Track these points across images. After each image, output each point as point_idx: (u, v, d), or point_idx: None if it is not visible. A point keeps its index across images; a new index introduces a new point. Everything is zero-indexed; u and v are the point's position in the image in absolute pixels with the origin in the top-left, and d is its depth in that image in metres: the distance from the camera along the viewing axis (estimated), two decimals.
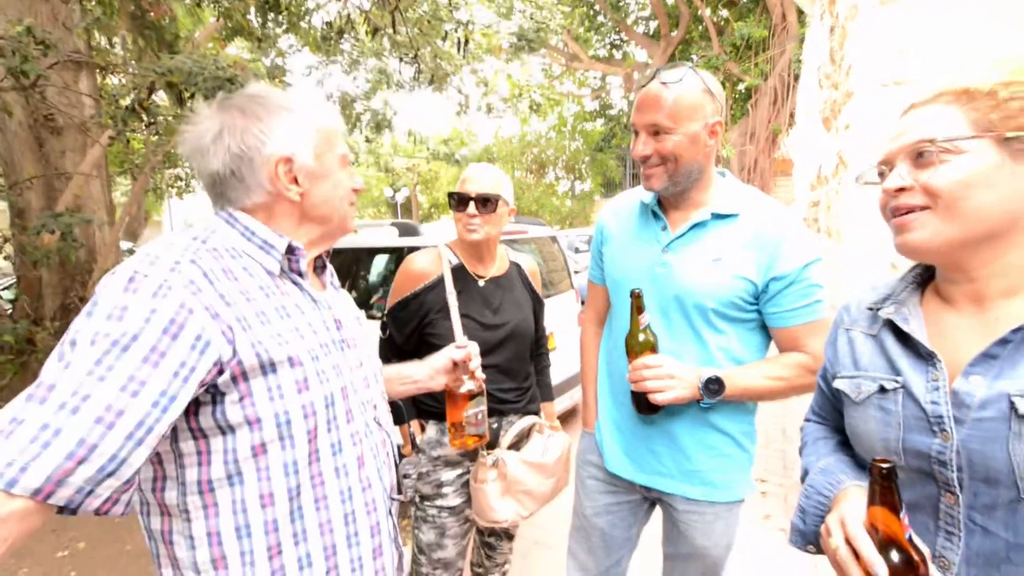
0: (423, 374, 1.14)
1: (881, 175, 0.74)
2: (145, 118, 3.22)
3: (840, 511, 0.68)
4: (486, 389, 1.22)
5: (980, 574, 0.65)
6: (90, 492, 0.58)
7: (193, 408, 0.68)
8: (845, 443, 0.88)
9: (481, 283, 1.54)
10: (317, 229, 0.84)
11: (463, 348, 1.14)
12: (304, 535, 0.75)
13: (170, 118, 4.10)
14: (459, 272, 1.52)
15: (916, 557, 0.59)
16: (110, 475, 0.59)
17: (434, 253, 1.54)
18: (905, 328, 0.73)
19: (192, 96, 2.54)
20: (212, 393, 0.68)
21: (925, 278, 0.79)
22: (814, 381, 1.05)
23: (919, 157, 0.68)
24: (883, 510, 0.60)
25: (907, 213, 0.69)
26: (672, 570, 1.37)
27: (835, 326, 0.88)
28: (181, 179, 7.36)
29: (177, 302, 0.64)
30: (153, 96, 3.05)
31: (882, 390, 0.74)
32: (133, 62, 3.89)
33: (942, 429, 0.66)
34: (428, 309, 1.48)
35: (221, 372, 0.67)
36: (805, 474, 0.85)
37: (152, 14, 4.41)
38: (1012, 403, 0.60)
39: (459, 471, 1.54)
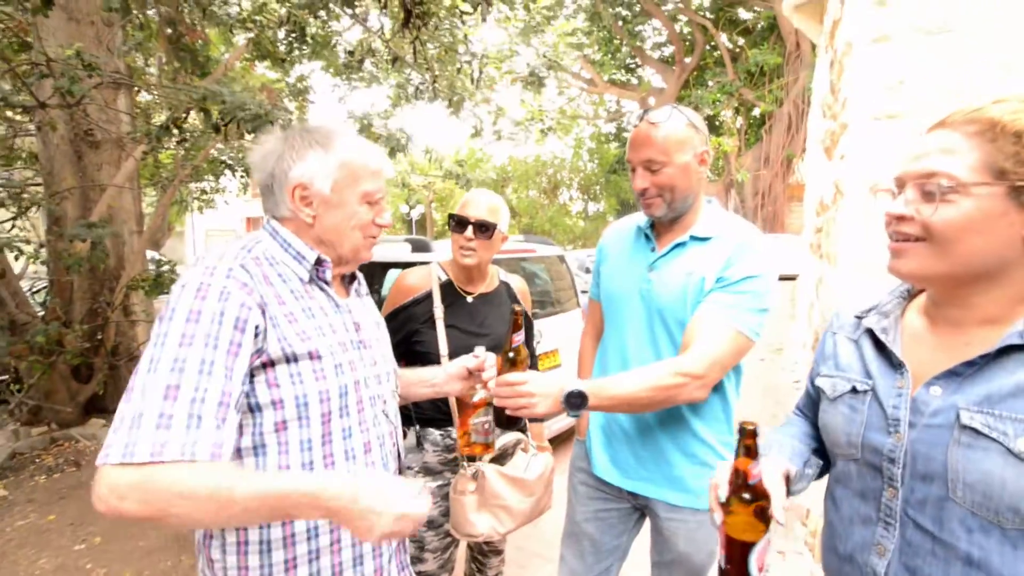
0: (440, 378, 1.22)
1: (892, 194, 0.76)
2: (177, 135, 3.42)
3: (726, 463, 0.81)
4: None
5: (910, 562, 0.71)
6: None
7: None
8: (811, 435, 0.96)
9: (469, 299, 1.62)
10: (331, 251, 0.96)
11: (478, 357, 1.17)
12: None
13: (199, 135, 4.33)
14: (448, 288, 1.60)
15: (764, 498, 0.75)
16: (222, 431, 0.74)
17: (426, 270, 1.64)
18: (882, 338, 0.80)
19: (227, 124, 2.74)
20: (249, 375, 0.81)
21: (912, 294, 0.85)
22: (693, 391, 1.13)
23: (925, 190, 0.69)
24: (744, 460, 0.75)
25: (903, 240, 0.72)
26: None
27: (826, 331, 0.96)
28: (206, 192, 7.65)
29: (238, 302, 0.79)
30: (187, 116, 3.26)
31: (854, 390, 0.82)
32: (167, 82, 4.13)
33: (897, 430, 0.74)
34: (415, 320, 1.56)
35: (259, 357, 0.81)
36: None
37: (188, 38, 4.69)
38: (958, 414, 0.68)
39: (440, 482, 1.57)
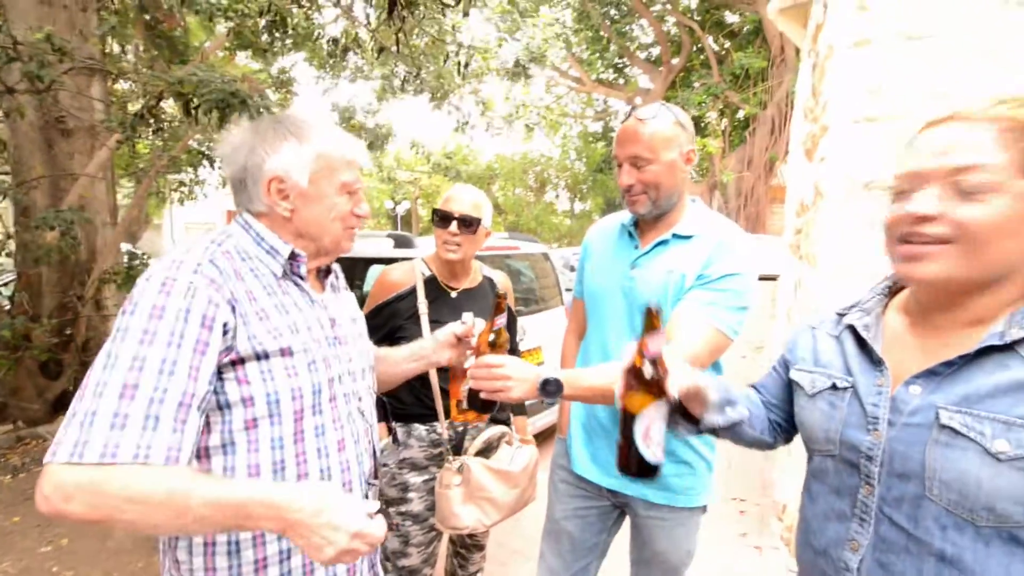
0: (429, 348, 1.19)
1: (900, 193, 0.70)
2: (152, 124, 3.32)
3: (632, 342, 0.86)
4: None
5: (883, 558, 0.71)
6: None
7: None
8: (751, 398, 0.97)
9: (453, 294, 1.63)
10: (311, 244, 0.93)
11: (465, 324, 1.16)
12: None
13: (176, 125, 4.21)
14: (431, 284, 1.62)
15: (661, 375, 0.81)
16: (183, 433, 0.72)
17: (409, 265, 1.65)
18: (864, 335, 0.80)
19: (198, 107, 2.65)
20: (217, 372, 0.78)
21: (893, 291, 0.85)
22: None
23: (958, 187, 0.64)
24: (644, 337, 0.83)
25: (926, 242, 0.66)
26: (637, 575, 1.42)
27: (800, 325, 0.96)
28: (184, 184, 7.47)
29: (205, 299, 0.75)
30: (161, 103, 3.16)
31: (834, 387, 0.81)
32: (144, 69, 4.01)
33: (875, 428, 0.74)
34: (399, 316, 1.57)
35: (228, 354, 0.78)
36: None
37: (165, 25, 4.56)
38: (937, 413, 0.68)
39: (425, 476, 1.58)
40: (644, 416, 0.83)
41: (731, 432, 0.92)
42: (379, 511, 0.77)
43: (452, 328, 1.16)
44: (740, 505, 3.01)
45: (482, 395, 1.09)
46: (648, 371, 0.83)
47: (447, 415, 1.54)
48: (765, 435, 0.95)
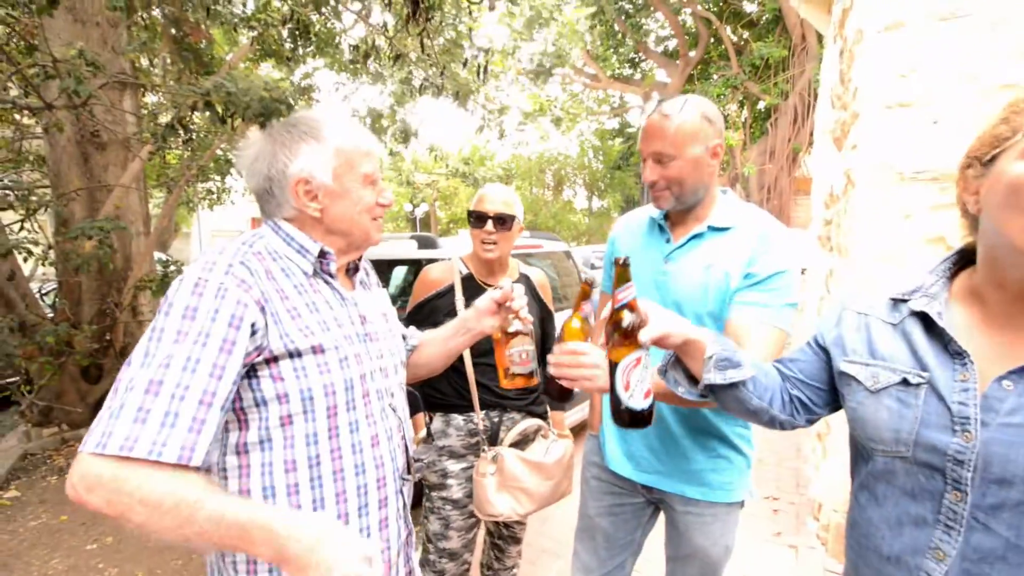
0: (471, 319, 1.16)
1: None
2: (183, 134, 3.42)
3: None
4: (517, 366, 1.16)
5: (973, 568, 0.67)
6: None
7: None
8: (765, 370, 0.90)
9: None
10: (341, 240, 0.94)
11: (502, 288, 1.13)
12: (322, 502, 0.85)
13: (205, 134, 4.33)
14: (469, 281, 1.67)
15: (636, 323, 0.86)
16: (199, 432, 0.72)
17: (448, 264, 1.71)
18: (939, 323, 0.72)
19: (233, 116, 2.71)
20: (250, 372, 0.80)
21: (953, 273, 0.78)
22: None
23: None
24: (615, 291, 0.87)
25: None
26: (673, 573, 1.40)
27: (840, 305, 0.88)
28: (212, 192, 7.68)
29: (234, 299, 0.77)
30: (192, 114, 3.25)
31: (905, 383, 0.74)
32: (172, 82, 4.13)
33: (965, 430, 0.67)
34: (439, 312, 1.63)
35: (260, 355, 0.80)
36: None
37: (192, 37, 4.69)
38: None
39: (463, 464, 1.64)
40: (623, 364, 0.86)
41: (732, 396, 0.87)
42: (383, 549, 0.76)
43: (491, 295, 1.13)
44: (774, 504, 2.95)
45: (563, 383, 1.05)
46: (625, 319, 0.86)
47: (496, 385, 1.53)
48: (775, 408, 0.88)
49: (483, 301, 1.14)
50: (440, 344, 1.20)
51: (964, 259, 0.79)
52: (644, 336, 0.84)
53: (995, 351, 0.69)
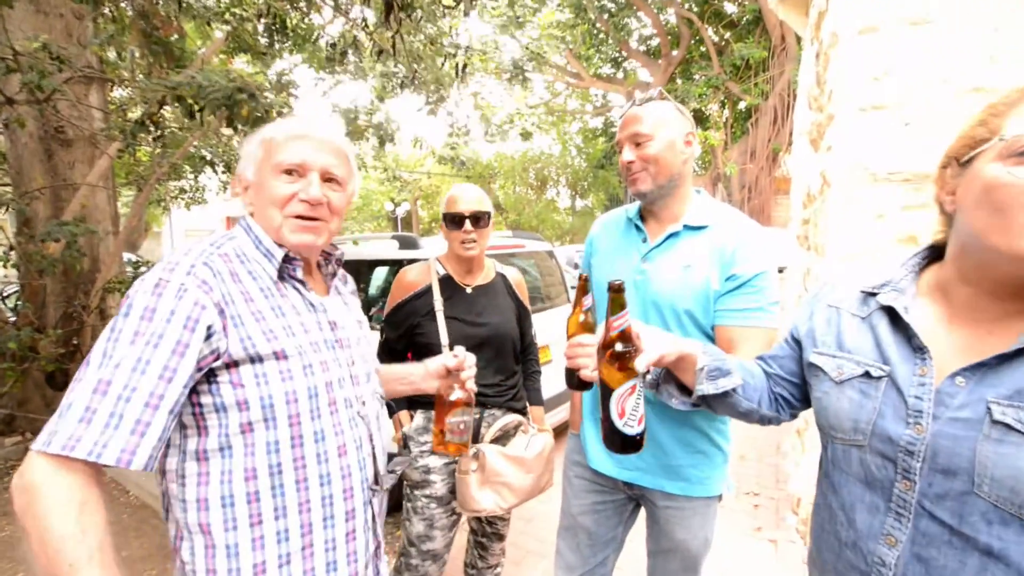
0: (418, 375, 1.18)
1: None
2: (153, 131, 3.31)
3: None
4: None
5: (922, 552, 0.69)
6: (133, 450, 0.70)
7: (195, 388, 0.78)
8: (749, 370, 0.94)
9: (468, 290, 1.69)
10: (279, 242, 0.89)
11: (457, 357, 1.17)
12: (284, 510, 0.82)
13: (176, 130, 4.20)
14: (447, 281, 1.67)
15: (630, 350, 0.85)
16: (142, 436, 0.71)
17: (424, 266, 1.70)
18: (905, 317, 0.74)
19: (202, 109, 2.63)
20: (210, 376, 0.77)
21: (922, 268, 0.80)
22: None
23: None
24: (609, 316, 0.87)
25: None
26: (655, 567, 1.42)
27: (814, 299, 0.90)
28: (185, 191, 7.47)
29: (192, 300, 0.75)
30: (162, 109, 3.15)
31: (867, 375, 0.76)
32: (141, 76, 4.00)
33: (917, 422, 0.69)
34: (417, 313, 1.63)
35: (218, 358, 0.77)
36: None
37: (162, 31, 4.55)
38: (989, 408, 0.64)
39: (446, 459, 1.63)
40: (618, 392, 0.86)
41: (724, 402, 0.90)
42: None
43: (444, 360, 1.16)
44: (754, 499, 2.99)
45: (580, 375, 1.07)
46: (620, 347, 0.85)
47: (478, 382, 1.56)
48: (763, 407, 0.92)
49: (434, 363, 1.16)
50: (384, 382, 1.17)
51: (934, 254, 0.80)
52: (640, 365, 0.83)
53: (955, 346, 0.71)
